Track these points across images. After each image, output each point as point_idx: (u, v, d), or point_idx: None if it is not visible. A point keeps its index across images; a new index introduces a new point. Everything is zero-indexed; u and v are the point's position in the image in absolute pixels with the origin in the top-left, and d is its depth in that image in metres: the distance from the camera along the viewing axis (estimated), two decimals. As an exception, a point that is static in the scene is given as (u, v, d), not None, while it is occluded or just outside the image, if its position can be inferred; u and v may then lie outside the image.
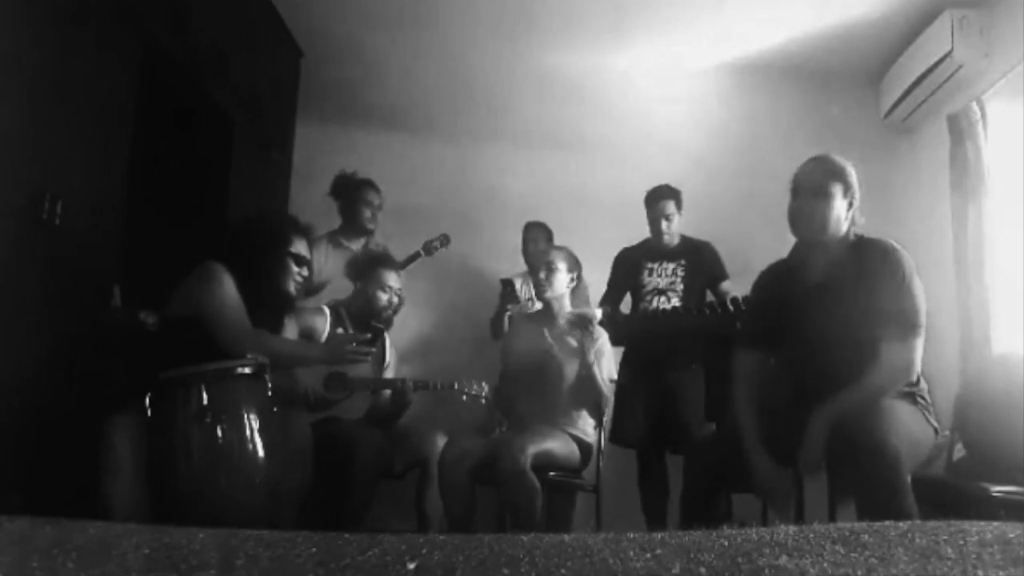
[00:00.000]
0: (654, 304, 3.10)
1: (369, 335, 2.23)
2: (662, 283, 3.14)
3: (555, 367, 2.68)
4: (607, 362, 2.72)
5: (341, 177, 3.30)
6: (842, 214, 1.93)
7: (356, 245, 3.28)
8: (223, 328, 2.05)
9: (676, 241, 3.20)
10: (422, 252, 3.37)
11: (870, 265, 1.87)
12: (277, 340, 2.18)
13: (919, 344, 1.83)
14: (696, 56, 4.08)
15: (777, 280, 2.12)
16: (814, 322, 1.93)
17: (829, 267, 1.95)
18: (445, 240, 3.43)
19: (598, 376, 2.61)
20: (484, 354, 3.54)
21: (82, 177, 2.29)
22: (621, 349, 3.15)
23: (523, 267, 3.64)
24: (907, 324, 1.82)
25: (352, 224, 3.29)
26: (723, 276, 3.14)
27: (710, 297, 3.14)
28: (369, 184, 3.32)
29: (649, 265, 3.18)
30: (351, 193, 3.29)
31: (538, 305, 3.40)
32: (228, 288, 2.09)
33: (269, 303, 2.21)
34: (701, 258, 3.16)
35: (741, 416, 1.99)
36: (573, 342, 2.69)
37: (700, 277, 3.14)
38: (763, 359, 2.07)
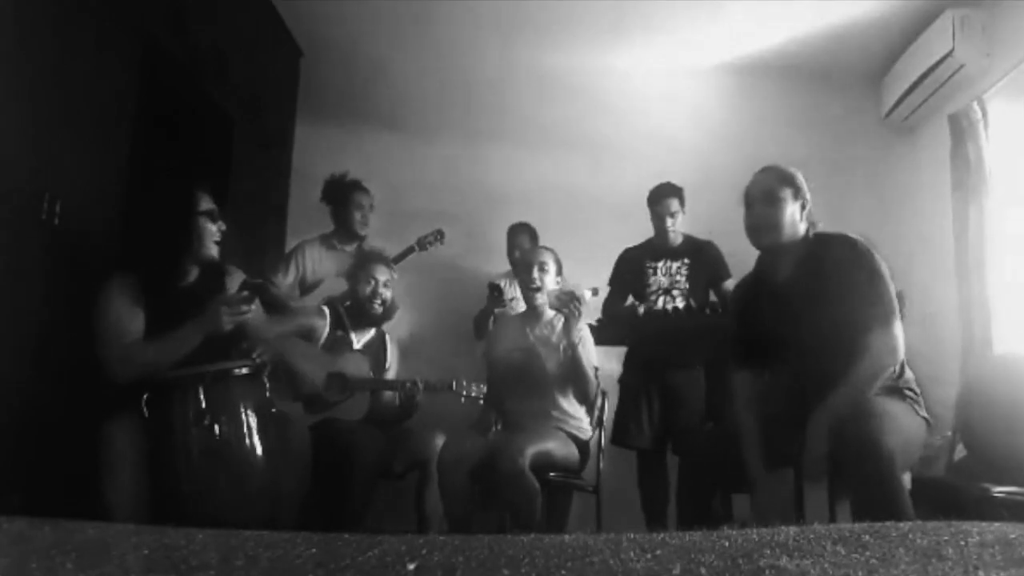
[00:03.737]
0: (659, 303, 3.09)
1: (245, 293, 2.10)
2: (666, 282, 3.13)
3: (538, 364, 2.68)
4: (590, 349, 2.71)
5: (331, 181, 3.29)
6: (796, 216, 1.99)
7: (349, 248, 3.27)
8: (103, 353, 2.00)
9: (679, 240, 3.19)
10: (416, 247, 3.37)
11: (832, 260, 1.91)
12: (157, 344, 2.03)
13: (900, 326, 1.86)
14: (696, 56, 4.08)
15: (748, 291, 2.18)
16: (787, 322, 1.97)
17: (792, 267, 2.00)
18: (439, 235, 3.42)
19: (583, 358, 2.59)
20: (479, 354, 3.54)
21: (82, 177, 2.28)
22: (617, 349, 3.14)
23: (507, 267, 3.65)
24: (885, 310, 1.85)
25: (344, 229, 3.28)
26: (725, 275, 3.13)
27: (714, 296, 3.14)
28: (358, 187, 3.29)
29: (653, 264, 3.17)
30: (341, 197, 3.26)
31: (522, 306, 3.41)
32: (113, 304, 2.03)
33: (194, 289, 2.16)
34: (704, 257, 3.16)
35: (742, 429, 2.02)
36: (555, 339, 2.69)
37: (703, 276, 3.14)
38: (757, 372, 2.10)
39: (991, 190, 3.14)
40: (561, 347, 2.65)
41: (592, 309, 3.05)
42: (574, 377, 2.64)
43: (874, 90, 4.02)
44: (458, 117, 4.19)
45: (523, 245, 3.55)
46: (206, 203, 2.20)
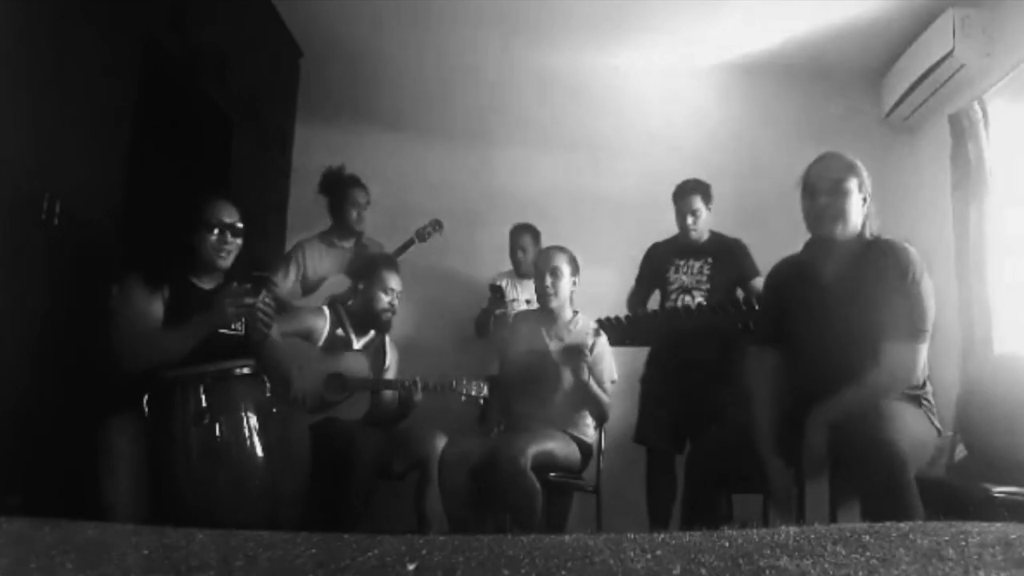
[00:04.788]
0: (679, 302, 3.05)
1: (248, 285, 2.09)
2: (688, 280, 3.09)
3: (552, 370, 2.68)
4: (607, 366, 2.72)
5: (328, 173, 3.27)
6: (859, 209, 1.94)
7: (348, 244, 3.27)
8: (116, 341, 2.02)
9: (705, 237, 3.13)
10: (415, 239, 3.37)
11: (881, 265, 1.87)
12: (166, 335, 2.06)
13: (923, 348, 1.83)
14: (696, 56, 4.08)
15: (790, 276, 2.10)
16: (825, 321, 1.93)
17: (843, 266, 1.94)
18: (437, 225, 3.42)
19: (596, 391, 2.62)
20: (480, 354, 3.55)
21: (82, 177, 2.28)
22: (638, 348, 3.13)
23: (508, 267, 3.66)
24: (913, 327, 1.82)
25: (341, 224, 3.27)
26: (753, 274, 3.06)
27: (742, 295, 3.09)
28: (354, 182, 3.27)
29: (677, 262, 3.12)
30: (338, 192, 3.25)
31: (523, 304, 3.41)
32: (131, 297, 2.06)
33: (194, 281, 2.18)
34: (730, 255, 3.10)
35: (757, 416, 1.98)
36: (571, 344, 2.69)
37: (729, 274, 3.08)
38: (779, 357, 2.05)
39: (991, 190, 3.13)
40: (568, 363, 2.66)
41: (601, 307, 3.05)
42: (588, 404, 2.66)
43: (874, 90, 4.02)
44: (458, 117, 4.19)
45: (526, 246, 3.54)
46: (229, 215, 2.20)
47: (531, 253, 3.52)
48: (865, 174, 1.95)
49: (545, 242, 3.51)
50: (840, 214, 1.91)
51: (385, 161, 3.98)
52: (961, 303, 3.18)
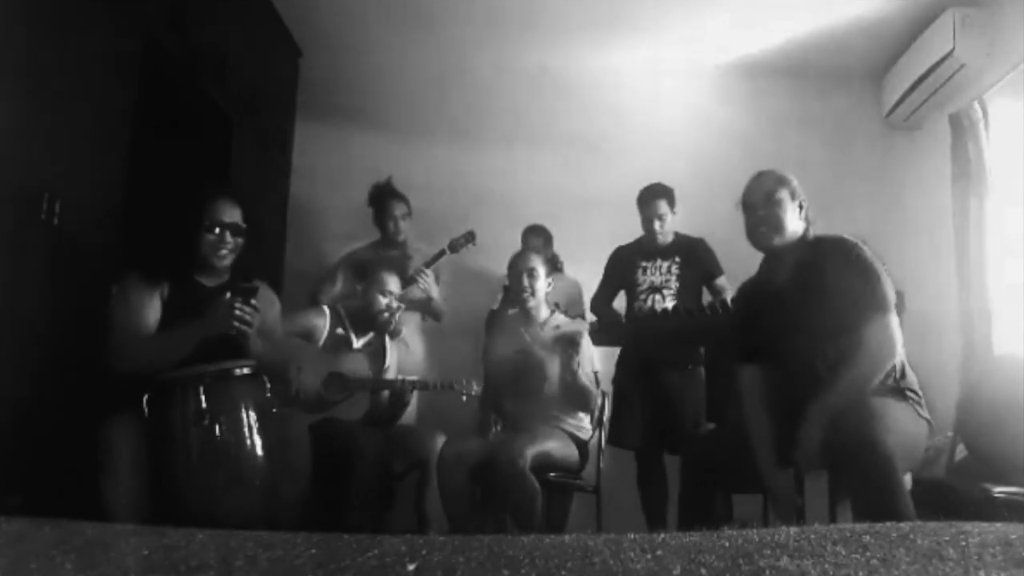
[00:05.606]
0: (649, 302, 3.09)
1: (239, 296, 2.07)
2: (657, 280, 3.13)
3: (536, 366, 2.68)
4: (588, 356, 2.72)
5: (374, 187, 3.38)
6: (795, 216, 2.04)
7: (393, 254, 3.32)
8: (111, 343, 2.02)
9: (670, 239, 3.18)
10: (447, 250, 3.37)
11: (826, 258, 1.96)
12: (158, 340, 2.05)
13: (894, 318, 1.89)
14: (696, 56, 4.08)
15: (750, 293, 2.20)
16: (790, 322, 1.99)
17: (791, 269, 2.03)
18: (470, 237, 3.42)
19: (583, 380, 2.61)
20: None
21: (82, 177, 2.28)
22: (613, 349, 3.14)
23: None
24: (877, 301, 1.87)
25: (384, 235, 3.38)
26: (717, 272, 3.13)
27: (707, 294, 3.14)
28: (392, 195, 3.37)
29: (643, 263, 3.17)
30: (378, 205, 3.36)
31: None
32: (128, 297, 2.06)
33: (193, 281, 2.18)
34: (695, 255, 3.15)
35: (753, 430, 2.02)
36: (552, 341, 2.69)
37: (695, 274, 3.14)
38: (762, 370, 2.10)
39: (991, 190, 3.14)
40: (558, 353, 2.65)
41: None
42: (575, 395, 2.66)
43: (875, 90, 4.02)
44: (458, 117, 4.19)
45: (537, 248, 3.54)
46: (229, 214, 2.18)
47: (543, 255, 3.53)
48: (796, 184, 2.07)
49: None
50: (777, 224, 2.02)
51: (384, 161, 3.96)
52: (961, 303, 3.18)
